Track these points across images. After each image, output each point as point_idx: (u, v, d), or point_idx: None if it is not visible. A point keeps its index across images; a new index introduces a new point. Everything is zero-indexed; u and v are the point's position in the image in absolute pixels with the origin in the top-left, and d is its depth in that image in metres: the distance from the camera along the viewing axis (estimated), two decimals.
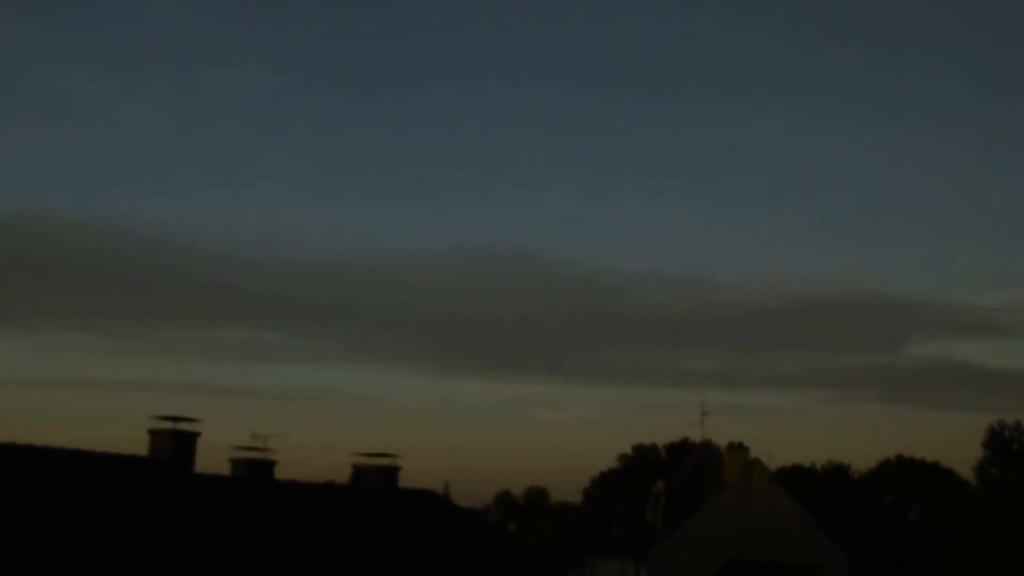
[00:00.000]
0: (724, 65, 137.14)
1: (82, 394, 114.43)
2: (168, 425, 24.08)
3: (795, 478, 66.07)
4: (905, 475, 76.40)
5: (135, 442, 24.68)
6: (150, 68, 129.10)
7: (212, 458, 26.17)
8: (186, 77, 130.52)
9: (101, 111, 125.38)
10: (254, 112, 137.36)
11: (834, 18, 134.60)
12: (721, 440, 55.65)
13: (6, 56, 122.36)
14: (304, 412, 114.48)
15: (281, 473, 27.30)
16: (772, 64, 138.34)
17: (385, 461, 31.07)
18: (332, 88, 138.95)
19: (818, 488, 67.10)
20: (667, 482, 54.37)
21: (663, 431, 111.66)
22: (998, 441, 71.53)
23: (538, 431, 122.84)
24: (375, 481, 30.74)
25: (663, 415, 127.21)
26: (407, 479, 31.66)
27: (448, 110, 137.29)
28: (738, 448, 50.33)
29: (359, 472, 32.03)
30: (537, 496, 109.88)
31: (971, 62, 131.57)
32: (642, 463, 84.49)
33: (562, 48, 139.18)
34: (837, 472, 79.32)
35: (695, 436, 68.71)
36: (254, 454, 26.78)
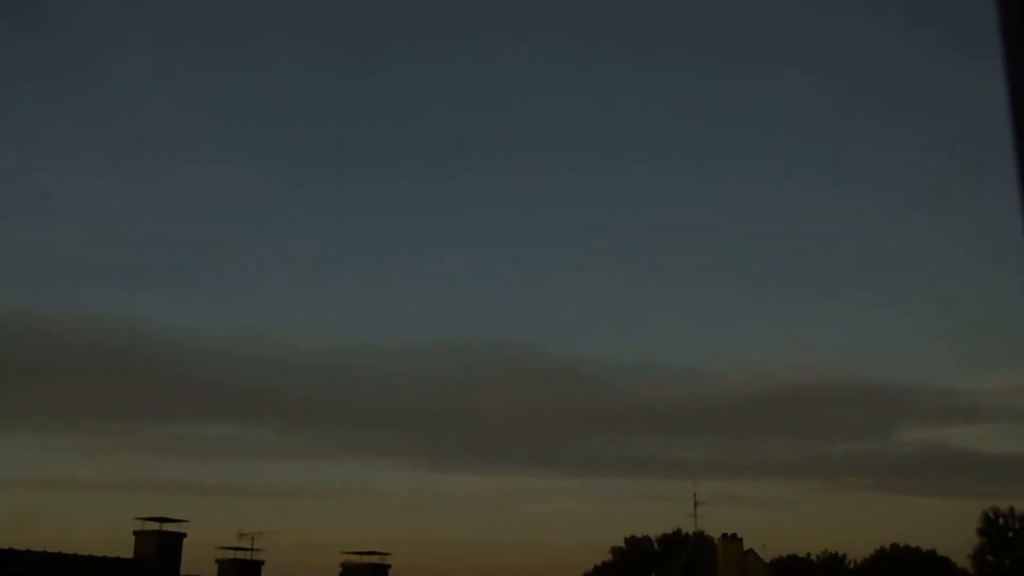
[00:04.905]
0: (703, 132, 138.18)
1: (66, 495, 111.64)
2: (154, 526, 23.88)
3: (790, 568, 65.06)
4: (901, 564, 75.55)
5: (121, 544, 24.45)
6: (130, 164, 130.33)
7: (199, 558, 25.89)
8: (169, 173, 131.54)
9: (80, 208, 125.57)
10: (237, 205, 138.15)
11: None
12: (714, 531, 55.05)
13: None
14: (291, 509, 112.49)
15: (269, 573, 26.97)
16: (749, 132, 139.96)
17: (375, 559, 30.72)
18: (316, 180, 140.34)
19: None
20: (661, 575, 53.58)
21: (655, 522, 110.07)
22: (993, 528, 71.48)
23: (529, 524, 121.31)
24: None
25: (655, 506, 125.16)
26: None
27: (430, 200, 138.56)
28: (732, 539, 49.71)
29: (348, 570, 31.59)
30: None
31: (949, 133, 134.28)
32: (635, 555, 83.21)
33: (539, 130, 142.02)
34: (832, 562, 78.31)
35: (688, 527, 67.85)
36: (241, 554, 26.48)
